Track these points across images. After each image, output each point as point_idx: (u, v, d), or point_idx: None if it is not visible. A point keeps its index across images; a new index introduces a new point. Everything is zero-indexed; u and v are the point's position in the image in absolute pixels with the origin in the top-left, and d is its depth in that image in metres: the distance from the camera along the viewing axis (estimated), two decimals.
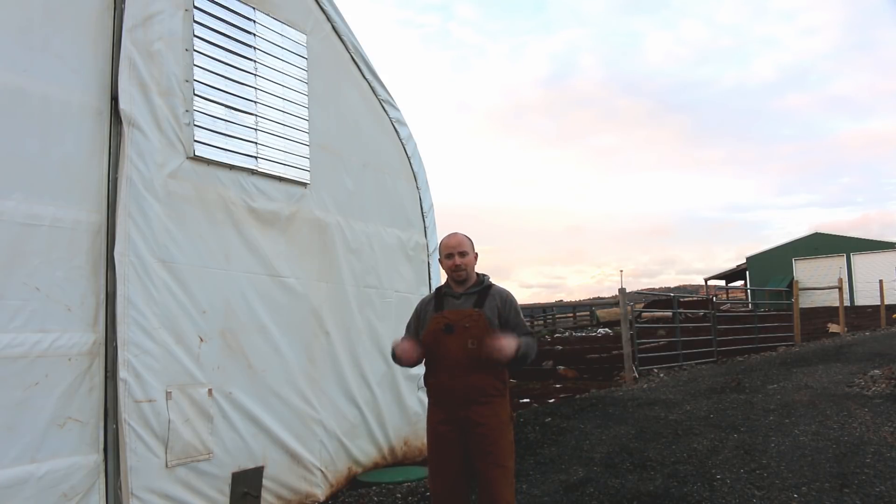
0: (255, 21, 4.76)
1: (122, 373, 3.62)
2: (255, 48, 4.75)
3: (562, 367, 13.25)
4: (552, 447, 5.89)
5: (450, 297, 3.34)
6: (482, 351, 3.12)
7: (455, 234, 3.39)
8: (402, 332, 3.58)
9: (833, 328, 18.22)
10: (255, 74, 4.74)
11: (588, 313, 34.16)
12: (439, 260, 3.42)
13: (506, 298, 3.30)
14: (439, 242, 3.44)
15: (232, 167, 4.50)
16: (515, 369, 3.23)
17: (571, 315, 34.02)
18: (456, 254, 3.29)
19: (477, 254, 3.40)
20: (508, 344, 3.04)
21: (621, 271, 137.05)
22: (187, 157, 4.17)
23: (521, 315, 3.32)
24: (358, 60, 5.84)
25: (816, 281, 34.60)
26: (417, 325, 3.43)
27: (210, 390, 4.14)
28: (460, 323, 3.21)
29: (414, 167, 6.55)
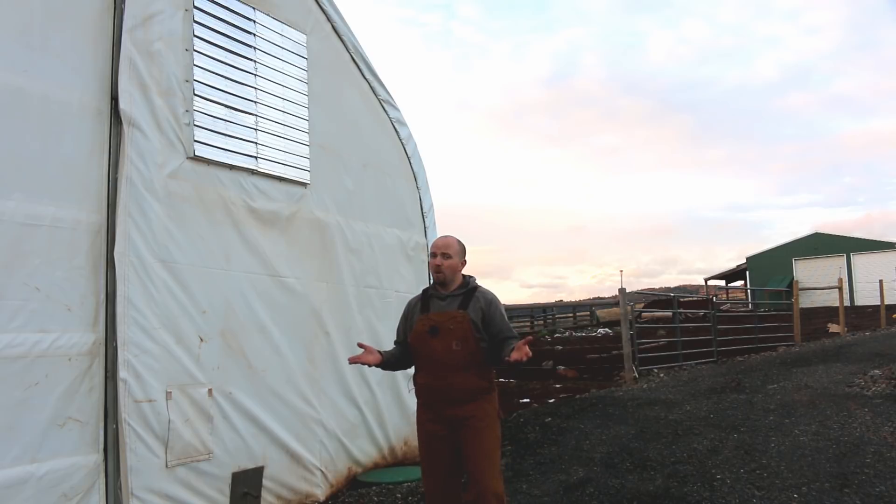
0: (255, 21, 4.76)
1: (122, 373, 3.62)
2: (255, 48, 4.75)
3: (562, 367, 13.25)
4: (552, 447, 5.89)
5: (436, 298, 3.40)
6: (467, 351, 3.20)
7: (447, 236, 3.47)
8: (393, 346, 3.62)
9: (833, 328, 18.22)
10: (255, 74, 4.74)
11: (588, 313, 34.16)
12: (428, 260, 3.51)
13: (490, 301, 3.34)
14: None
15: (232, 167, 4.50)
16: (485, 376, 3.32)
17: (571, 315, 34.01)
18: (439, 254, 3.36)
19: (465, 261, 3.45)
20: (528, 352, 3.09)
21: (621, 271, 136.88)
22: (187, 157, 4.17)
23: (506, 318, 3.36)
24: (358, 60, 5.84)
25: (816, 281, 34.58)
26: (405, 327, 3.48)
27: (210, 390, 4.14)
28: (445, 325, 3.26)
29: (414, 167, 6.55)
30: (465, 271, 3.49)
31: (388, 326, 5.82)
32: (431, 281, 6.49)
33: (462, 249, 3.45)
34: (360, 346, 3.40)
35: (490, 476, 3.16)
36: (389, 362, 3.48)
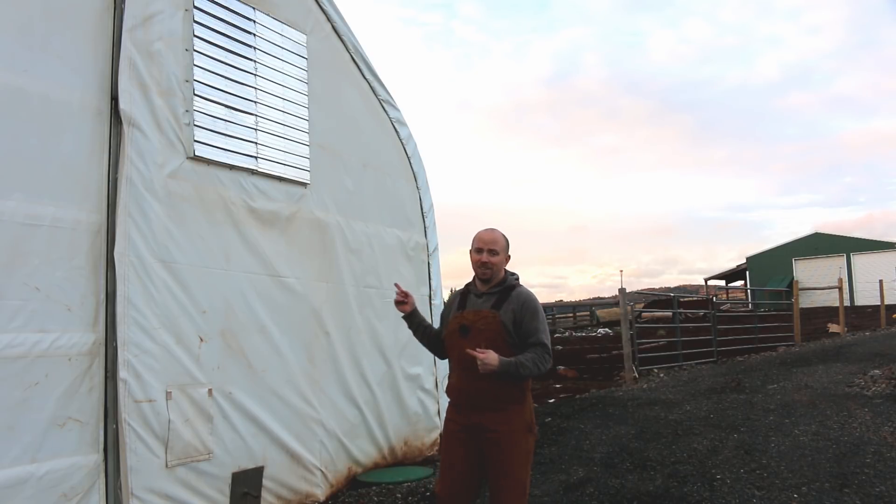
0: (255, 21, 4.76)
1: (122, 373, 3.62)
2: (255, 48, 4.75)
3: (562, 367, 13.25)
4: (552, 447, 5.89)
5: (473, 295, 3.25)
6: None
7: (493, 229, 3.25)
8: (402, 332, 3.55)
9: (833, 328, 18.22)
10: (255, 74, 4.74)
11: (588, 313, 34.17)
12: (469, 251, 3.27)
13: (525, 302, 3.11)
14: (475, 234, 3.27)
15: (232, 167, 4.50)
16: (517, 381, 3.07)
17: (571, 315, 34.02)
18: (486, 250, 3.15)
19: (509, 256, 3.26)
20: (490, 359, 2.90)
21: (621, 271, 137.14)
22: (187, 157, 4.17)
23: (541, 321, 3.11)
24: (358, 60, 5.84)
25: (816, 281, 34.59)
26: (443, 322, 3.39)
27: (210, 390, 4.14)
28: (476, 325, 3.11)
29: (414, 167, 6.55)
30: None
31: (387, 326, 5.82)
32: (436, 283, 6.50)
33: (508, 245, 3.24)
34: (398, 289, 3.35)
35: (508, 497, 3.01)
36: (418, 328, 3.40)
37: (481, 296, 3.20)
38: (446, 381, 3.39)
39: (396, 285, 3.42)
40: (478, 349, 2.94)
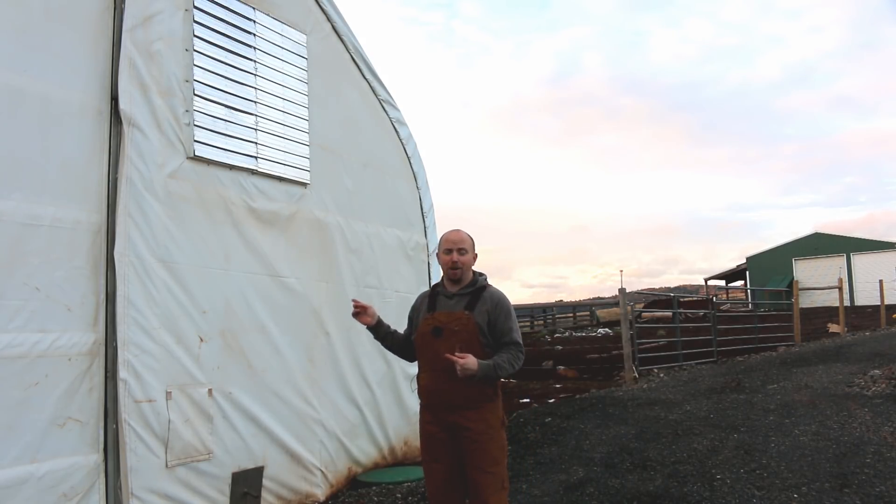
0: (255, 21, 4.76)
1: (122, 373, 3.62)
2: (255, 48, 4.75)
3: (562, 367, 13.25)
4: (552, 447, 5.89)
5: (443, 296, 3.27)
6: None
7: (458, 230, 3.30)
8: (402, 331, 3.54)
9: (833, 328, 18.20)
10: (255, 74, 4.75)
11: (588, 313, 34.14)
12: (437, 254, 3.34)
13: (497, 302, 3.18)
14: (441, 237, 3.35)
15: (232, 167, 4.50)
16: (490, 383, 3.15)
17: (571, 315, 33.98)
18: (455, 250, 3.20)
19: (476, 254, 3.31)
20: (470, 363, 2.95)
21: (622, 271, 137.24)
22: (187, 157, 4.17)
23: (514, 320, 3.21)
24: (358, 60, 5.84)
25: (816, 281, 34.57)
26: (412, 324, 3.40)
27: (210, 390, 4.14)
28: (449, 326, 3.14)
29: (414, 167, 6.55)
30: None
31: None
32: (430, 279, 6.51)
33: (473, 243, 3.30)
34: (355, 303, 3.35)
35: (491, 491, 3.06)
36: (386, 336, 3.42)
37: (452, 297, 3.23)
38: (415, 384, 3.40)
39: (354, 301, 3.42)
40: (456, 353, 2.98)
